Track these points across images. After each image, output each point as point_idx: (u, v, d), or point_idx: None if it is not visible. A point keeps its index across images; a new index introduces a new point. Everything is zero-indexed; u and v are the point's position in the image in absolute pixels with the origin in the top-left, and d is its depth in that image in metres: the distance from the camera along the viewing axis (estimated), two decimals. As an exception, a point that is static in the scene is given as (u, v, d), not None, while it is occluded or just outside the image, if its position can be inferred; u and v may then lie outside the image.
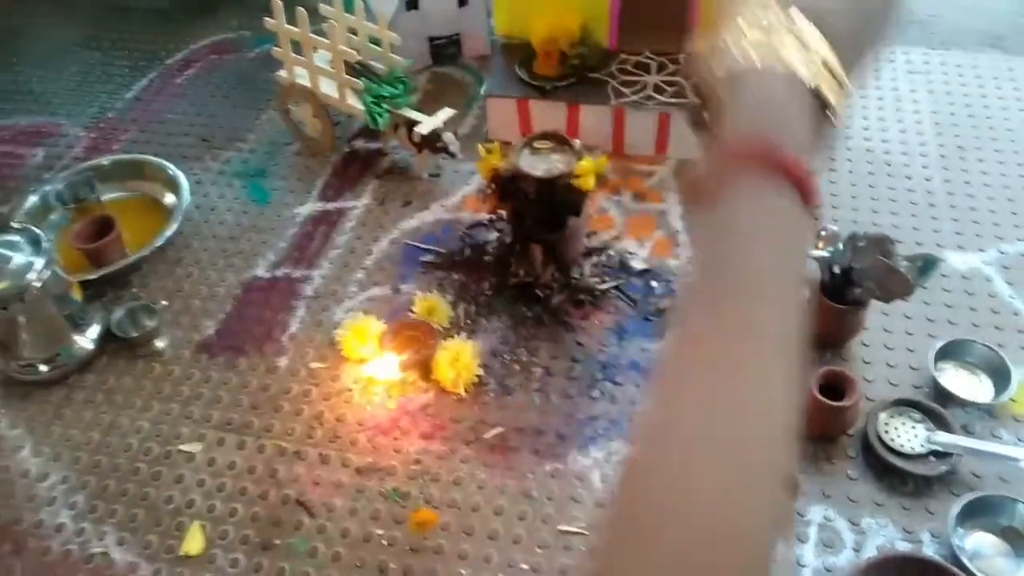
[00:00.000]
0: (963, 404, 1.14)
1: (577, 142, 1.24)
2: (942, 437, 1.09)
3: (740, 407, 0.42)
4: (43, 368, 1.27)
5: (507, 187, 1.25)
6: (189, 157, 1.67)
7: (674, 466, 0.41)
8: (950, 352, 1.19)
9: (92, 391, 1.28)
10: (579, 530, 1.07)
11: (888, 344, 1.24)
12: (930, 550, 1.02)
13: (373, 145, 1.65)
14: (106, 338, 1.32)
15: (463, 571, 1.04)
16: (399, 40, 1.51)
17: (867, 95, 1.68)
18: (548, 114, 1.54)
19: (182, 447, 1.19)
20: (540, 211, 1.25)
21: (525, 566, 1.04)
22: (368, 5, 1.58)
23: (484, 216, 1.46)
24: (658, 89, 1.52)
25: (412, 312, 1.31)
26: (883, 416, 1.12)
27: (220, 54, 1.98)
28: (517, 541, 1.06)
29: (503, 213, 1.34)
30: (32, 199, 1.54)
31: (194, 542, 1.08)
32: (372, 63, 1.55)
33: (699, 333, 0.45)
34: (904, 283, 1.10)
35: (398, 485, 1.13)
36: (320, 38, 1.47)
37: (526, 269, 1.31)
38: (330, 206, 1.55)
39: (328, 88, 1.54)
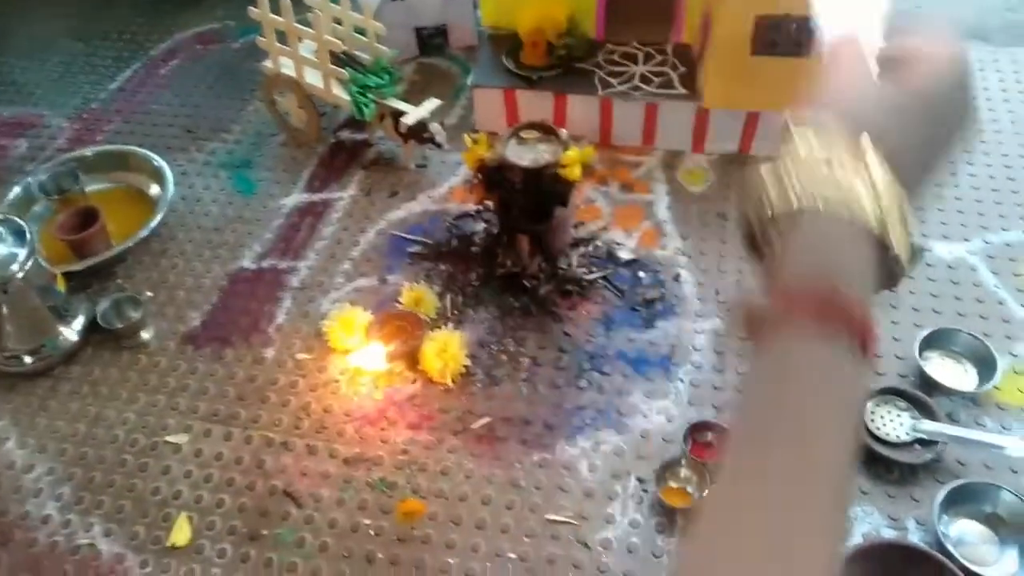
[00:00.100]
0: (948, 392, 1.15)
1: (564, 132, 1.24)
2: (927, 425, 1.09)
3: (787, 553, 0.42)
4: (28, 359, 1.27)
5: (494, 177, 1.24)
6: (174, 148, 1.66)
7: None
8: (935, 341, 1.20)
9: (78, 383, 1.27)
10: (566, 519, 1.07)
11: None
12: (915, 537, 1.03)
13: (359, 136, 1.65)
14: (91, 329, 1.31)
15: (450, 560, 1.04)
16: (384, 30, 1.50)
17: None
18: (535, 104, 1.54)
19: (169, 438, 1.19)
20: (527, 201, 1.25)
21: (513, 555, 1.04)
22: (354, -5, 1.57)
23: (471, 207, 1.46)
24: (645, 79, 1.52)
25: (399, 303, 1.31)
26: (869, 405, 1.12)
27: (205, 44, 1.97)
28: (505, 530, 1.06)
29: (490, 204, 1.34)
30: (15, 190, 1.52)
31: (181, 533, 1.08)
32: (357, 53, 1.55)
33: (749, 475, 0.45)
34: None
35: (385, 475, 1.13)
36: (305, 28, 1.46)
37: (513, 259, 1.31)
38: (316, 197, 1.54)
39: (313, 78, 1.54)
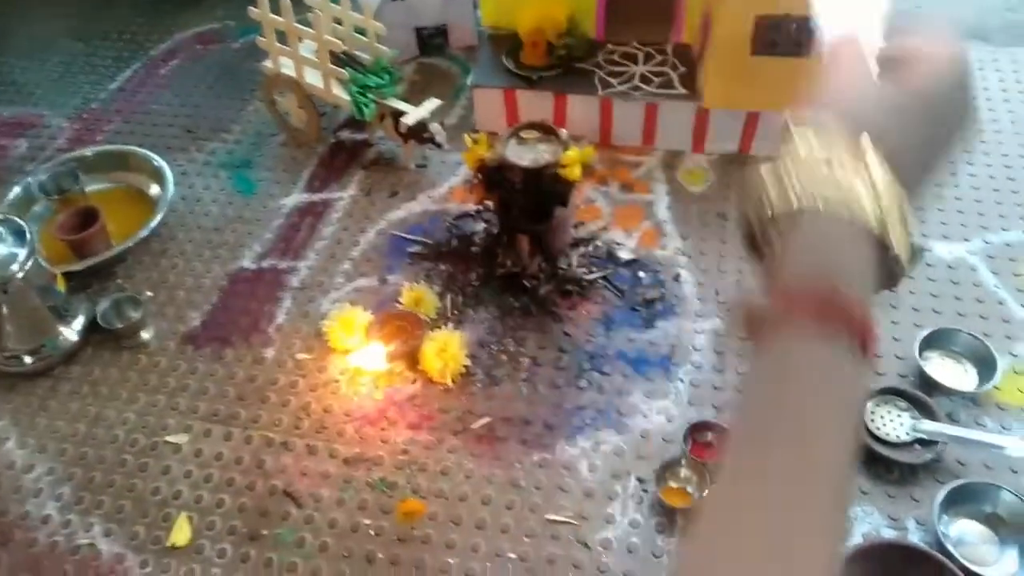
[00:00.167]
0: (948, 392, 1.15)
1: (563, 132, 1.24)
2: (927, 425, 1.09)
3: (787, 553, 0.42)
4: (28, 359, 1.27)
5: (493, 177, 1.24)
6: (174, 148, 1.66)
7: None
8: (935, 341, 1.20)
9: (78, 383, 1.27)
10: (566, 519, 1.07)
11: None
12: (915, 537, 1.03)
13: (359, 136, 1.65)
14: (91, 329, 1.31)
15: (450, 560, 1.04)
16: (385, 30, 1.50)
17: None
18: (535, 104, 1.54)
19: (169, 438, 1.19)
20: (527, 201, 1.25)
21: (513, 555, 1.04)
22: (354, -5, 1.57)
23: (471, 207, 1.46)
24: (645, 79, 1.52)
25: (399, 303, 1.31)
26: (869, 405, 1.12)
27: (205, 44, 1.97)
28: (505, 530, 1.06)
29: (490, 204, 1.34)
30: (15, 190, 1.52)
31: (181, 533, 1.08)
32: (358, 53, 1.55)
33: (749, 475, 0.45)
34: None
35: (385, 475, 1.13)
36: (305, 28, 1.46)
37: (513, 260, 1.31)
38: (316, 197, 1.54)
39: (313, 78, 1.54)
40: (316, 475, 1.13)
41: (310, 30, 1.45)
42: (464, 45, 1.82)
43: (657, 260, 1.38)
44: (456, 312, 1.32)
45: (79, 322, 1.31)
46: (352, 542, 1.06)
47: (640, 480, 1.10)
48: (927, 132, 0.52)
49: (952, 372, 1.18)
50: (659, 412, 1.18)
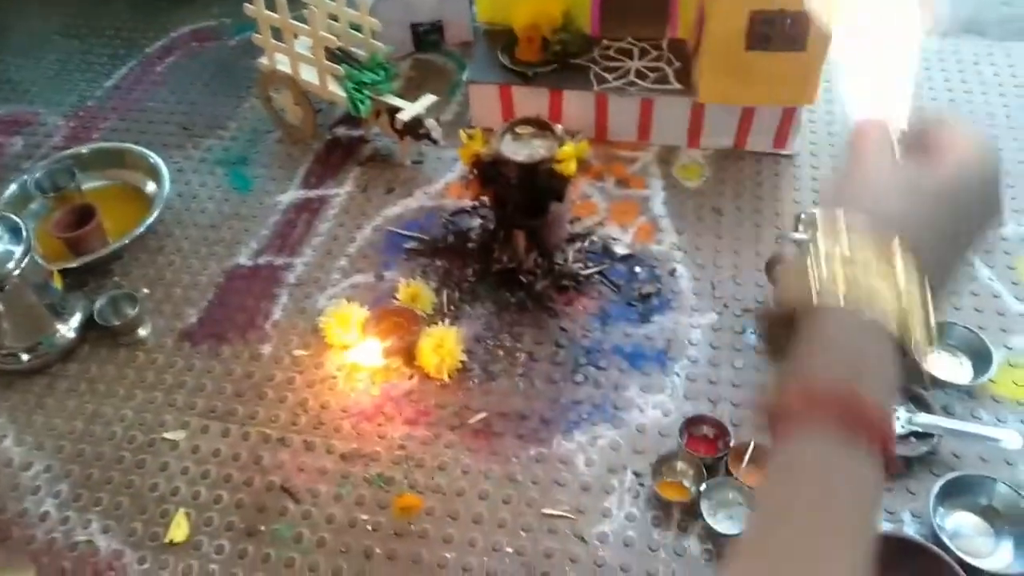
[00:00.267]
0: (944, 385, 1.15)
1: (559, 127, 1.24)
2: (923, 418, 1.09)
3: None
4: (25, 357, 1.27)
5: (489, 173, 1.24)
6: (170, 145, 1.66)
7: None
8: (930, 334, 1.20)
9: (75, 380, 1.27)
10: (563, 513, 1.07)
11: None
12: (911, 530, 1.03)
13: (355, 132, 1.65)
14: (88, 327, 1.32)
15: (448, 555, 1.04)
16: (380, 26, 1.50)
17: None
18: (531, 100, 1.54)
19: (166, 435, 1.19)
20: (522, 197, 1.25)
21: (510, 549, 1.04)
22: (349, -9, 1.57)
23: (467, 203, 1.46)
24: (640, 75, 1.52)
25: (395, 299, 1.31)
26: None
27: (200, 42, 1.97)
28: (502, 525, 1.07)
29: (486, 199, 1.34)
30: (11, 188, 1.53)
31: (179, 529, 1.08)
32: (353, 49, 1.54)
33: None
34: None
35: (382, 471, 1.13)
36: (300, 24, 1.46)
37: (509, 255, 1.31)
38: (312, 194, 1.54)
39: (309, 75, 1.54)
40: (313, 471, 1.14)
41: (305, 26, 1.45)
42: (460, 41, 1.82)
43: (653, 255, 1.38)
44: (452, 308, 1.32)
45: (76, 319, 1.31)
46: (349, 537, 1.07)
47: (636, 474, 1.11)
48: (953, 227, 0.52)
49: (948, 365, 1.18)
50: (655, 406, 1.18)
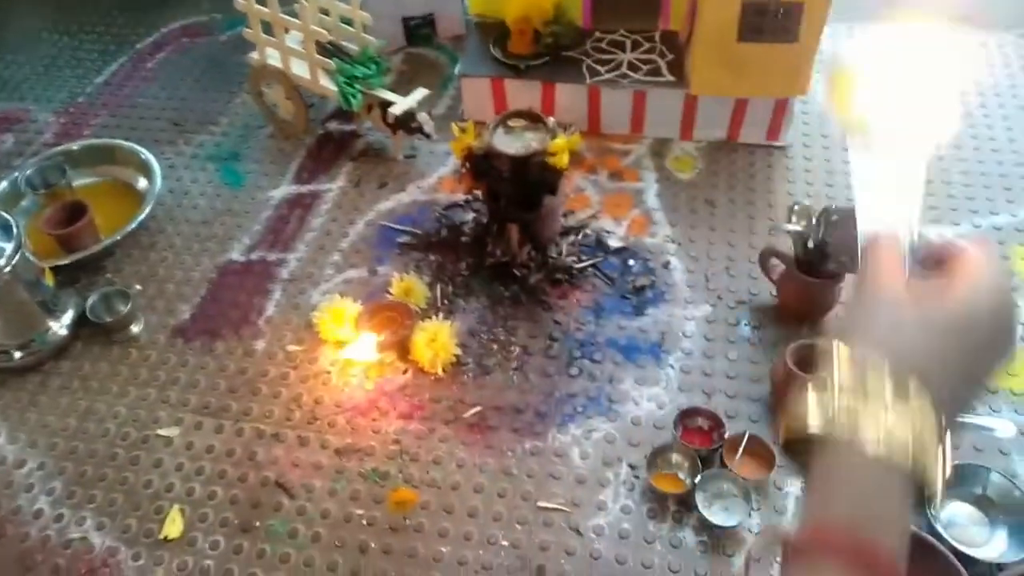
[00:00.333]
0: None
1: (551, 120, 1.24)
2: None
3: None
4: (17, 354, 1.26)
5: (481, 166, 1.24)
6: (161, 141, 1.66)
7: None
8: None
9: (68, 377, 1.27)
10: (558, 506, 1.07)
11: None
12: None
13: (347, 127, 1.65)
14: (81, 324, 1.31)
15: (443, 549, 1.04)
16: (371, 20, 1.50)
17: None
18: (523, 93, 1.53)
19: (160, 432, 1.19)
20: (515, 190, 1.25)
21: (505, 542, 1.04)
22: (340, -15, 1.57)
23: (460, 197, 1.46)
24: (633, 67, 1.52)
25: (389, 293, 1.31)
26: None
27: (191, 37, 1.96)
28: (497, 518, 1.07)
29: (479, 193, 1.34)
30: (2, 185, 1.52)
31: (174, 526, 1.08)
32: (344, 43, 1.54)
33: None
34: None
35: (377, 465, 1.13)
36: (291, 18, 1.45)
37: (503, 249, 1.31)
38: (304, 189, 1.54)
39: (300, 69, 1.53)
40: (308, 466, 1.13)
41: (296, 21, 1.44)
42: (452, 35, 1.82)
43: (647, 247, 1.38)
44: (446, 302, 1.32)
45: (68, 316, 1.30)
46: (345, 532, 1.07)
47: (631, 467, 1.11)
48: (967, 364, 0.52)
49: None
50: (650, 399, 1.18)
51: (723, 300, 1.29)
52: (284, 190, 1.54)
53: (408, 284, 1.31)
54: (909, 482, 0.48)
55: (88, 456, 1.17)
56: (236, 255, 1.43)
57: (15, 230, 1.22)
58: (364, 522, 1.07)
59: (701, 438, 1.12)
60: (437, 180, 1.53)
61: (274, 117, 1.64)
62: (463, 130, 1.24)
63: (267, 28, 1.51)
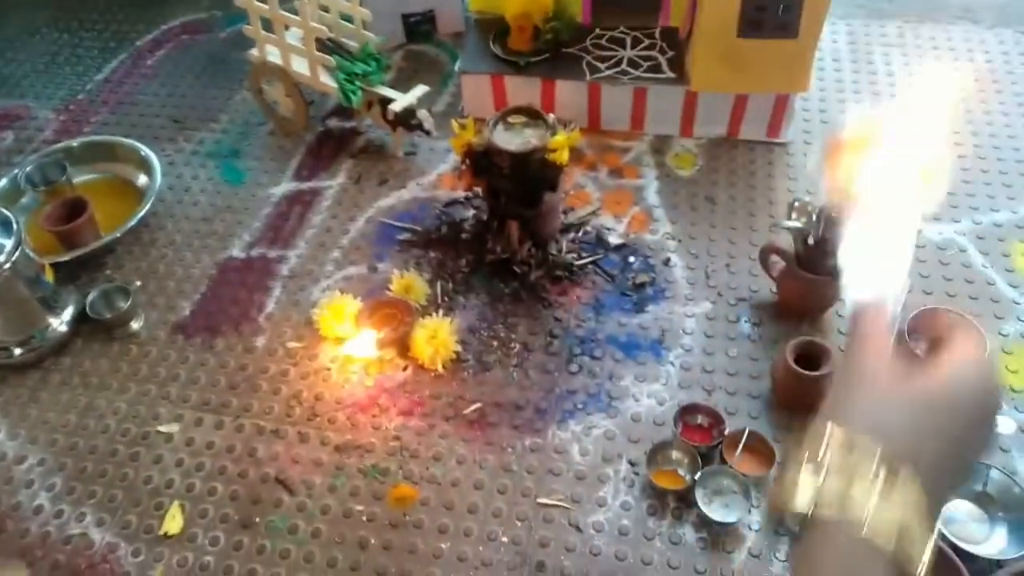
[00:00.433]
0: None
1: (551, 116, 1.24)
2: (917, 405, 1.09)
3: None
4: (17, 351, 1.26)
5: (481, 163, 1.24)
6: (161, 138, 1.66)
7: None
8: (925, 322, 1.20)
9: (68, 373, 1.27)
10: (558, 503, 1.07)
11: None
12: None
13: (347, 124, 1.65)
14: (81, 320, 1.31)
15: (443, 545, 1.04)
16: (371, 17, 1.50)
17: (842, 68, 1.69)
18: (523, 90, 1.53)
19: (160, 428, 1.19)
20: (515, 187, 1.25)
21: (505, 539, 1.04)
22: (340, -18, 1.57)
23: (460, 194, 1.46)
24: (633, 63, 1.52)
25: (389, 290, 1.31)
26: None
27: (191, 35, 1.96)
28: (497, 514, 1.07)
29: (479, 190, 1.34)
30: (2, 182, 1.52)
31: (174, 522, 1.08)
32: (344, 40, 1.54)
33: None
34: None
35: (377, 462, 1.13)
36: (291, 15, 1.45)
37: (503, 246, 1.31)
38: (305, 186, 1.54)
39: (300, 66, 1.53)
40: (308, 462, 1.13)
41: (296, 17, 1.44)
42: (452, 31, 1.82)
43: (647, 244, 1.38)
44: (446, 299, 1.32)
45: (68, 313, 1.30)
46: (345, 528, 1.07)
47: (631, 463, 1.11)
48: (953, 449, 0.52)
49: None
50: (650, 395, 1.18)
51: (723, 297, 1.29)
52: (284, 187, 1.54)
53: (408, 281, 1.31)
54: (892, 566, 0.48)
55: (88, 452, 1.17)
56: (236, 252, 1.43)
57: (15, 227, 1.22)
58: (364, 518, 1.07)
59: (701, 435, 1.12)
60: (437, 177, 1.53)
61: (274, 114, 1.63)
62: (463, 127, 1.24)
63: (267, 25, 1.51)
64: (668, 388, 1.19)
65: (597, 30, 1.59)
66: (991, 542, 1.00)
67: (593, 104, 1.54)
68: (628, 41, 1.56)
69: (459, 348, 1.24)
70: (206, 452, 1.15)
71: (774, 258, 1.24)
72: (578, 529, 1.05)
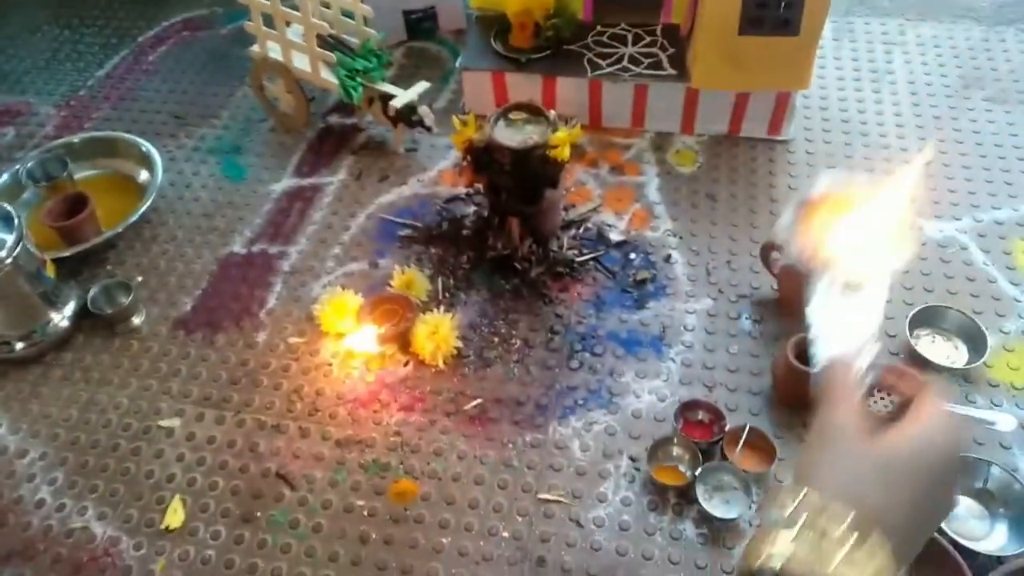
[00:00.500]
0: (939, 370, 1.15)
1: (552, 112, 1.24)
2: (917, 401, 1.09)
3: None
4: (19, 346, 1.26)
5: (482, 159, 1.24)
6: (162, 134, 1.66)
7: None
8: (926, 319, 1.20)
9: (70, 368, 1.27)
10: (559, 498, 1.07)
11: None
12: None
13: (348, 121, 1.65)
14: (82, 315, 1.31)
15: (444, 540, 1.04)
16: (372, 13, 1.50)
17: (843, 66, 1.69)
18: (524, 87, 1.53)
19: (161, 423, 1.19)
20: (516, 183, 1.25)
21: (506, 534, 1.04)
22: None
23: (461, 190, 1.46)
24: (634, 60, 1.52)
25: (390, 286, 1.31)
26: (859, 381, 1.12)
27: (193, 31, 1.96)
28: (498, 510, 1.07)
29: (480, 187, 1.34)
30: (3, 178, 1.52)
31: (175, 516, 1.08)
32: (345, 36, 1.54)
33: None
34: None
35: (378, 457, 1.13)
36: (292, 11, 1.45)
37: (504, 242, 1.31)
38: (305, 182, 1.54)
39: (301, 62, 1.53)
40: (309, 457, 1.13)
41: (297, 14, 1.44)
42: (453, 28, 1.82)
43: (648, 241, 1.38)
44: (447, 295, 1.32)
45: (70, 308, 1.30)
46: (346, 523, 1.07)
47: (632, 459, 1.11)
48: (919, 511, 0.54)
49: (942, 349, 1.19)
50: (650, 392, 1.18)
51: (724, 294, 1.29)
52: (285, 183, 1.54)
53: (409, 277, 1.31)
54: None
55: (90, 446, 1.17)
56: (237, 248, 1.43)
57: (17, 222, 1.22)
58: (365, 513, 1.08)
59: (702, 431, 1.12)
60: (438, 173, 1.53)
61: (275, 110, 1.64)
62: (464, 123, 1.24)
63: (268, 21, 1.51)
64: (669, 384, 1.19)
65: (598, 27, 1.59)
66: (992, 538, 1.00)
67: (594, 101, 1.54)
68: (629, 38, 1.57)
69: (460, 344, 1.24)
70: (207, 447, 1.16)
71: (775, 255, 1.24)
72: (579, 524, 1.05)
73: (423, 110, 1.46)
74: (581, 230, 1.39)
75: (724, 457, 1.08)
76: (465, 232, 1.40)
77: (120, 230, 1.41)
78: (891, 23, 1.80)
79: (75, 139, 1.61)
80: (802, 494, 0.53)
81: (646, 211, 1.43)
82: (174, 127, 1.68)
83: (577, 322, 1.27)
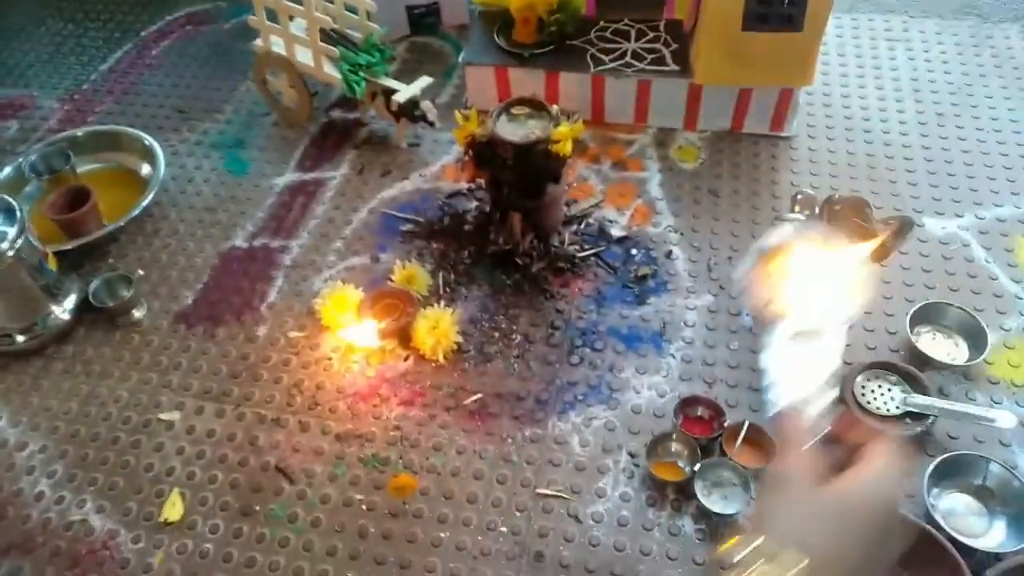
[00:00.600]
0: (939, 367, 1.15)
1: (554, 108, 1.23)
2: (918, 399, 1.09)
3: None
4: (20, 338, 1.27)
5: (484, 154, 1.24)
6: (165, 128, 1.66)
7: None
8: (927, 316, 1.20)
9: (70, 361, 1.27)
10: (558, 493, 1.07)
11: (865, 308, 1.24)
12: (905, 509, 1.03)
13: (351, 115, 1.65)
14: (84, 308, 1.31)
15: (442, 534, 1.04)
16: (375, 8, 1.49)
17: (847, 63, 1.69)
18: (527, 82, 1.53)
19: (161, 416, 1.19)
20: (518, 178, 1.24)
21: (505, 529, 1.04)
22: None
23: (463, 185, 1.46)
24: (637, 56, 1.52)
25: (391, 281, 1.31)
26: (859, 379, 1.13)
27: (196, 25, 1.96)
28: (496, 504, 1.07)
29: (482, 182, 1.34)
30: (6, 171, 1.53)
31: (174, 509, 1.08)
32: (348, 31, 1.54)
33: None
34: (881, 248, 1.10)
35: (378, 451, 1.13)
36: (296, 5, 1.45)
37: (505, 237, 1.31)
38: (308, 176, 1.54)
39: (304, 57, 1.53)
40: (308, 451, 1.14)
41: (300, 8, 1.44)
42: (456, 23, 1.82)
43: (649, 237, 1.38)
44: (448, 290, 1.32)
45: (71, 301, 1.31)
46: (345, 517, 1.07)
47: (631, 454, 1.11)
48: (870, 555, 0.56)
49: (943, 346, 1.18)
50: (650, 387, 1.18)
51: (725, 290, 1.29)
52: (287, 177, 1.54)
53: (410, 272, 1.31)
54: None
55: (90, 439, 1.17)
56: (239, 242, 1.43)
57: (19, 215, 1.22)
58: (364, 507, 1.08)
59: (701, 427, 1.12)
60: (440, 168, 1.53)
61: (278, 105, 1.64)
62: (466, 118, 1.24)
63: (271, 15, 1.51)
64: (669, 380, 1.18)
65: (601, 22, 1.59)
66: (990, 536, 1.00)
67: (597, 96, 1.54)
68: (632, 34, 1.56)
69: (460, 339, 1.24)
70: (207, 440, 1.16)
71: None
72: (577, 520, 1.05)
73: (426, 105, 1.46)
74: (583, 225, 1.39)
75: (723, 453, 1.08)
76: (467, 227, 1.40)
77: (122, 223, 1.41)
78: (894, 19, 1.79)
79: (78, 133, 1.61)
80: (757, 541, 0.54)
81: (648, 207, 1.43)
82: (177, 121, 1.69)
83: (578, 317, 1.27)
